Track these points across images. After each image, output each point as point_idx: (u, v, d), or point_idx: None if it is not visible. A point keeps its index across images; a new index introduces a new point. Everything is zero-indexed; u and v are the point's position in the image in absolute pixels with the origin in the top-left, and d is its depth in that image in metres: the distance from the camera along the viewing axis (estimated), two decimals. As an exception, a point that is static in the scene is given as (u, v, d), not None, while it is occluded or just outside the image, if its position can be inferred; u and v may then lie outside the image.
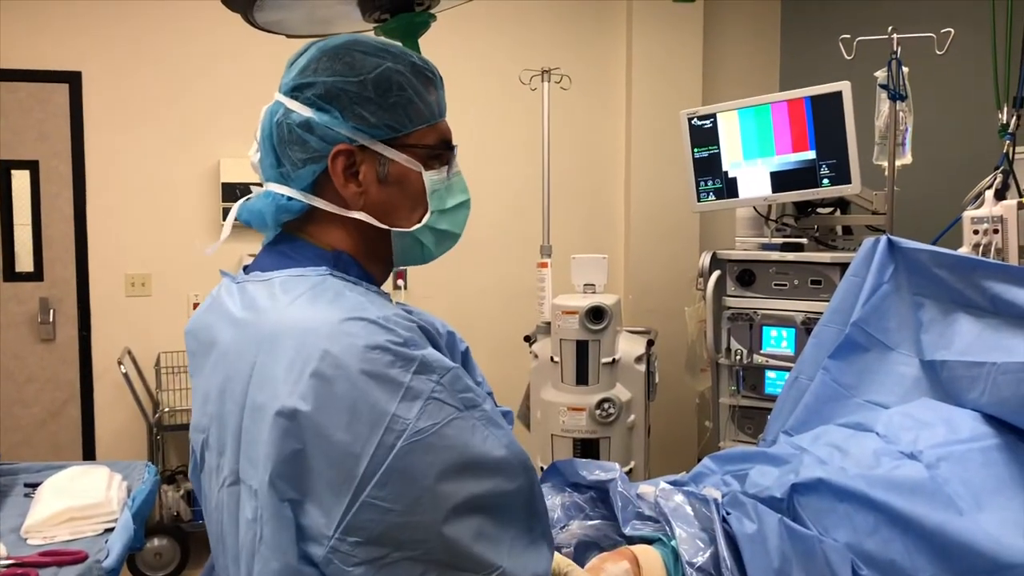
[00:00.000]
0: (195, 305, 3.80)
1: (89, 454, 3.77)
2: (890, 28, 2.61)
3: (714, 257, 3.10)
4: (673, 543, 1.26)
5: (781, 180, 2.96)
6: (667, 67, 4.21)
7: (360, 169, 1.01)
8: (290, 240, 1.05)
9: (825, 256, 2.91)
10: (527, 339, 3.23)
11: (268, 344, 0.91)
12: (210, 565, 1.12)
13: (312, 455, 0.84)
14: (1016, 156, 2.31)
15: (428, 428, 0.85)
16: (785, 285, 2.97)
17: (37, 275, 3.70)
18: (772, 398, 2.62)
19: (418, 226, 1.05)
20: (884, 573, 1.23)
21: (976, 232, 2.13)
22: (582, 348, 2.96)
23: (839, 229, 3.18)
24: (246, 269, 1.07)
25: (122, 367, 3.45)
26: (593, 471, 1.46)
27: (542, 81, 3.44)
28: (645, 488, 1.40)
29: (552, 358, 3.04)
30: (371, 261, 1.06)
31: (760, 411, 2.99)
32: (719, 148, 3.08)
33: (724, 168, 3.08)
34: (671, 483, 1.44)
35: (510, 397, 3.16)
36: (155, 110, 3.76)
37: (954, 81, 3.26)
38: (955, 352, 1.61)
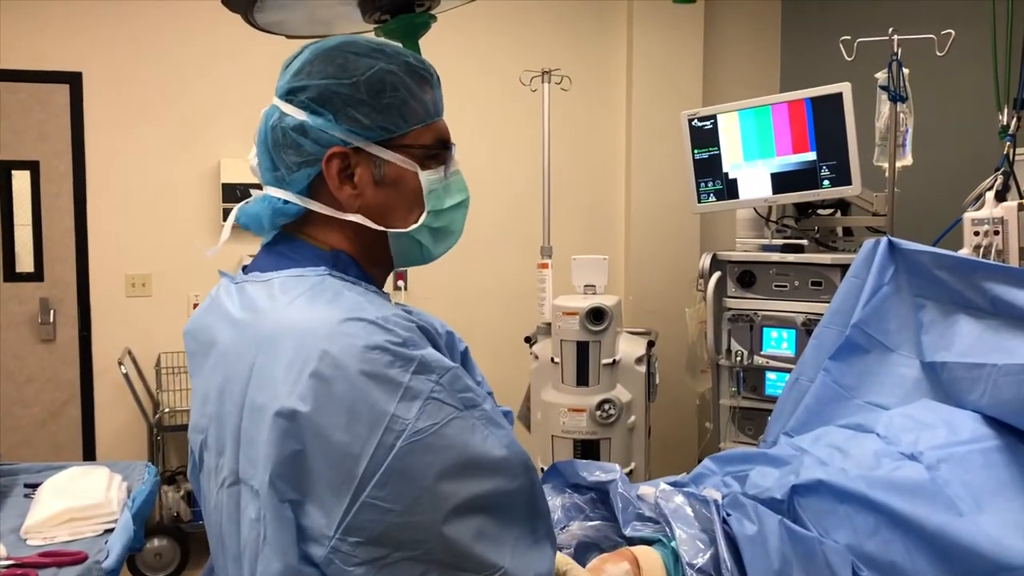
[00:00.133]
0: (195, 305, 3.79)
1: (89, 454, 3.77)
2: (891, 29, 2.61)
3: (714, 258, 3.10)
4: (673, 544, 1.26)
5: (781, 181, 2.96)
6: (667, 68, 4.21)
7: (356, 171, 1.01)
8: (289, 240, 1.05)
9: (825, 257, 2.91)
10: (527, 340, 3.23)
11: (267, 345, 0.91)
12: (210, 566, 1.12)
13: (312, 456, 0.84)
14: (1016, 157, 2.31)
15: (427, 428, 0.85)
16: (785, 286, 2.97)
17: (37, 275, 3.70)
18: (772, 399, 2.62)
19: (415, 226, 1.04)
20: (884, 574, 1.23)
21: (977, 234, 2.13)
22: (583, 349, 2.96)
23: (839, 230, 3.18)
24: (245, 269, 1.07)
25: (122, 367, 3.45)
26: (593, 472, 1.46)
27: (542, 82, 3.44)
28: (645, 489, 1.40)
29: (552, 359, 3.04)
30: (370, 262, 1.06)
31: (760, 412, 2.99)
32: (719, 149, 3.08)
33: (724, 169, 3.08)
34: (671, 484, 1.44)
35: (510, 398, 3.16)
36: (155, 110, 3.76)
37: (954, 82, 3.26)
38: (956, 354, 1.61)
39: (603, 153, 4.34)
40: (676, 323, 3.48)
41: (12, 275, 3.68)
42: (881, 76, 2.64)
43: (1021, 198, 2.26)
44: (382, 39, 1.13)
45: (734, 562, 1.22)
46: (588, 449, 2.98)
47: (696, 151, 3.13)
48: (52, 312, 3.71)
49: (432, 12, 1.43)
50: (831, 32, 2.90)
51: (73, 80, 3.67)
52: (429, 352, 0.89)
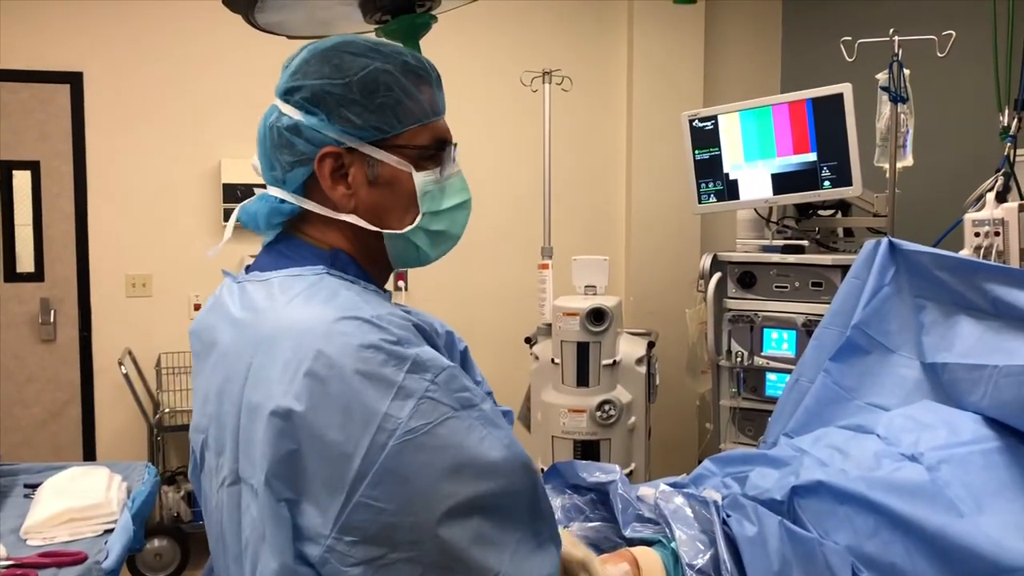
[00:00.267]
0: (196, 306, 3.82)
1: (89, 455, 3.77)
2: (891, 30, 2.61)
3: (715, 259, 3.10)
4: (673, 545, 1.26)
5: (782, 182, 2.96)
6: (668, 69, 4.21)
7: (349, 171, 1.01)
8: (289, 240, 1.05)
9: (826, 258, 2.91)
10: (528, 340, 3.23)
11: (265, 345, 0.92)
12: (210, 566, 1.12)
13: (307, 455, 0.85)
14: (1017, 158, 2.31)
15: (420, 427, 0.84)
16: (786, 287, 2.97)
17: (38, 275, 3.70)
18: (773, 400, 2.62)
19: (410, 228, 1.03)
20: (884, 576, 1.23)
21: (977, 234, 2.13)
22: (583, 350, 2.96)
23: (840, 231, 3.18)
24: (248, 269, 1.07)
25: (123, 368, 3.45)
26: (593, 473, 1.46)
27: (543, 82, 3.44)
28: (645, 490, 1.40)
29: (553, 360, 3.04)
30: (369, 261, 1.06)
31: (761, 413, 2.99)
32: (720, 150, 3.08)
33: (725, 170, 3.08)
34: (671, 485, 1.44)
35: (511, 398, 3.15)
36: (156, 111, 3.76)
37: (955, 83, 3.26)
38: (956, 355, 1.61)
39: (604, 154, 4.34)
40: (676, 324, 3.48)
41: (13, 275, 3.68)
42: (882, 77, 2.64)
43: (1022, 199, 2.26)
44: (382, 39, 1.13)
45: (734, 563, 1.22)
46: (588, 450, 2.97)
47: (697, 152, 3.13)
48: (52, 312, 3.71)
49: (433, 12, 1.43)
50: (832, 33, 2.90)
51: (74, 80, 3.68)
52: (424, 351, 0.89)
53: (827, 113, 2.81)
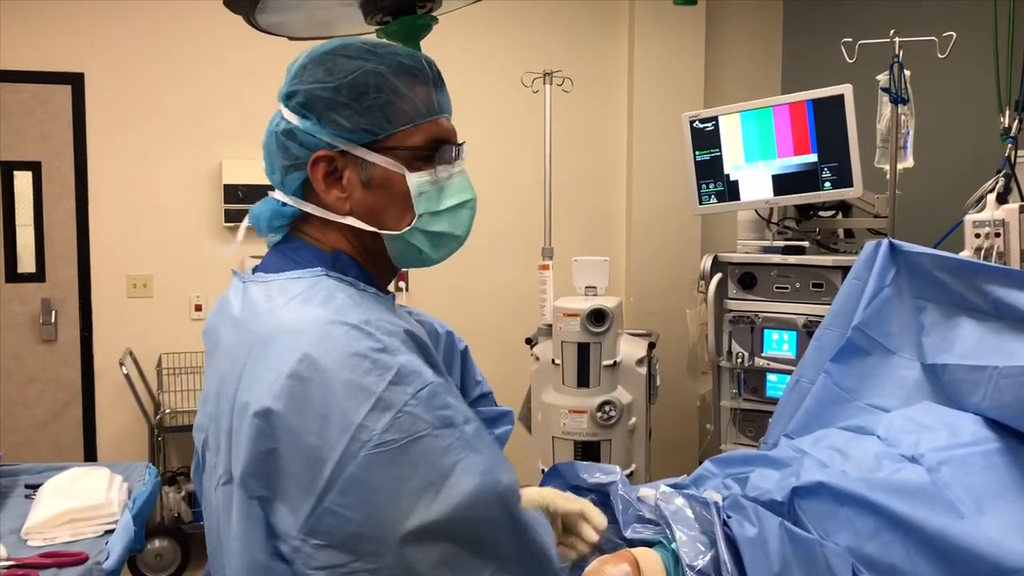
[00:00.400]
0: (197, 307, 3.82)
1: (90, 455, 3.77)
2: (892, 31, 2.61)
3: (715, 260, 3.10)
4: (674, 546, 1.26)
5: (783, 183, 2.96)
6: (669, 70, 4.21)
7: (344, 174, 1.01)
8: (292, 241, 1.06)
9: (827, 259, 2.91)
10: (528, 341, 3.23)
11: (259, 346, 0.92)
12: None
13: (284, 455, 0.86)
14: (1018, 159, 2.31)
15: (393, 441, 0.84)
16: (786, 288, 2.96)
17: (39, 276, 3.71)
18: (773, 401, 2.62)
19: (407, 229, 1.03)
20: (885, 577, 1.23)
21: (978, 236, 2.12)
22: (583, 350, 2.96)
23: (841, 232, 3.18)
24: (255, 270, 1.08)
25: (123, 368, 3.45)
26: (594, 474, 1.46)
27: (544, 83, 3.44)
28: (646, 491, 1.40)
29: (553, 360, 3.04)
30: (370, 262, 1.06)
31: (761, 414, 2.98)
32: (721, 151, 3.08)
33: (726, 171, 3.08)
34: (672, 486, 1.44)
35: (511, 399, 3.14)
36: (157, 111, 3.76)
37: (956, 84, 3.26)
38: (957, 356, 1.61)
39: (604, 154, 4.34)
40: (677, 325, 3.48)
41: (14, 276, 3.68)
42: (882, 78, 2.64)
43: (1022, 200, 2.25)
44: (382, 40, 1.13)
45: (734, 564, 1.22)
46: (588, 451, 2.97)
47: (697, 152, 3.13)
48: (53, 313, 3.71)
49: (433, 14, 1.43)
50: (832, 34, 2.90)
51: (75, 81, 3.68)
52: (410, 361, 0.89)
53: (828, 114, 2.81)
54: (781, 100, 2.95)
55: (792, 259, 2.96)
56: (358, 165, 1.01)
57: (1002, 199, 2.19)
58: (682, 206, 3.46)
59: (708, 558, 1.23)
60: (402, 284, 4.03)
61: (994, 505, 1.29)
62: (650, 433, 3.18)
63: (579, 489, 1.49)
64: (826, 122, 2.82)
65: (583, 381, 2.97)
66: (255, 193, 3.74)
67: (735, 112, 3.04)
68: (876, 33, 2.65)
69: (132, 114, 3.74)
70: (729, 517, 1.29)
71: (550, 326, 3.13)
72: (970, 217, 2.18)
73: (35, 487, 2.30)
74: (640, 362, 3.03)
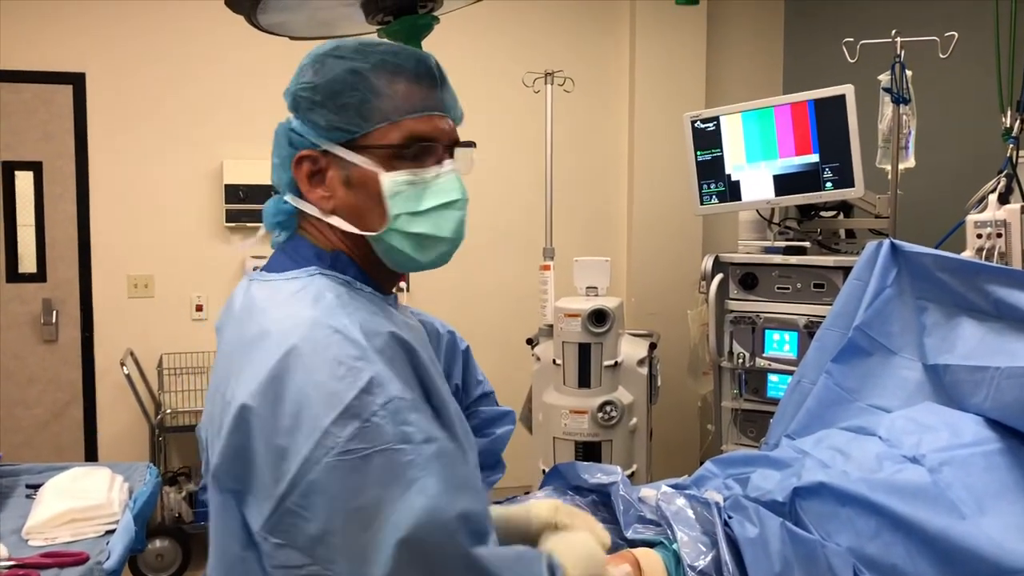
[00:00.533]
0: (198, 307, 3.83)
1: (91, 455, 3.77)
2: (893, 31, 2.61)
3: (717, 260, 3.10)
4: (675, 547, 1.26)
5: (784, 183, 2.96)
6: (670, 70, 4.21)
7: (327, 174, 1.01)
8: (296, 240, 1.06)
9: (828, 260, 2.91)
10: (529, 342, 3.23)
11: (248, 344, 0.94)
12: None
13: (256, 451, 0.87)
14: (1019, 160, 2.31)
15: (358, 450, 0.84)
16: (788, 288, 2.96)
17: (40, 276, 3.71)
18: (774, 402, 2.61)
19: (383, 230, 1.00)
20: (886, 578, 1.23)
21: (979, 236, 2.12)
22: (584, 351, 2.96)
23: (842, 232, 3.18)
24: (263, 269, 1.09)
25: (124, 368, 3.45)
26: (595, 474, 1.46)
27: (545, 83, 3.44)
28: (647, 491, 1.40)
29: (554, 361, 3.04)
30: (367, 262, 1.05)
31: (762, 415, 2.98)
32: (722, 151, 3.07)
33: (727, 171, 3.08)
34: (673, 486, 1.44)
35: (512, 399, 3.13)
36: (158, 111, 3.76)
37: (957, 85, 3.25)
38: (958, 356, 1.61)
39: (605, 154, 4.34)
40: (678, 325, 3.48)
41: (15, 276, 3.68)
42: (884, 78, 2.64)
43: (1024, 200, 2.25)
44: (381, 39, 1.13)
45: (735, 564, 1.22)
46: (590, 451, 2.97)
47: (699, 153, 3.12)
48: (54, 313, 3.71)
49: (435, 13, 1.43)
50: (834, 34, 2.90)
51: (76, 81, 3.68)
52: (382, 372, 0.88)
53: (829, 114, 2.81)
54: (782, 100, 2.95)
55: (793, 259, 2.96)
56: (339, 164, 1.00)
57: (1003, 199, 2.19)
58: (683, 206, 3.46)
59: (709, 558, 1.23)
60: (403, 284, 4.03)
61: (996, 505, 1.29)
62: (651, 434, 3.17)
63: (580, 489, 1.49)
64: (827, 122, 2.82)
65: (584, 381, 2.97)
66: (256, 193, 3.74)
67: (736, 112, 3.04)
68: (878, 33, 2.65)
69: (133, 114, 3.74)
70: (730, 517, 1.29)
71: (551, 326, 3.13)
72: (972, 217, 2.17)
73: (36, 487, 2.30)
74: (641, 362, 3.03)
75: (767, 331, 2.99)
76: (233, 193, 3.74)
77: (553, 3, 4.23)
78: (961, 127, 3.36)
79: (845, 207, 3.16)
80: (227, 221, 3.76)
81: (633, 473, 3.01)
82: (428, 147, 1.00)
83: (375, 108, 0.99)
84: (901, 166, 2.67)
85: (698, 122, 3.11)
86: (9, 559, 1.89)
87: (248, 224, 3.74)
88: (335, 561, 0.84)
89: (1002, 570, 1.19)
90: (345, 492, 0.83)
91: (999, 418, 1.46)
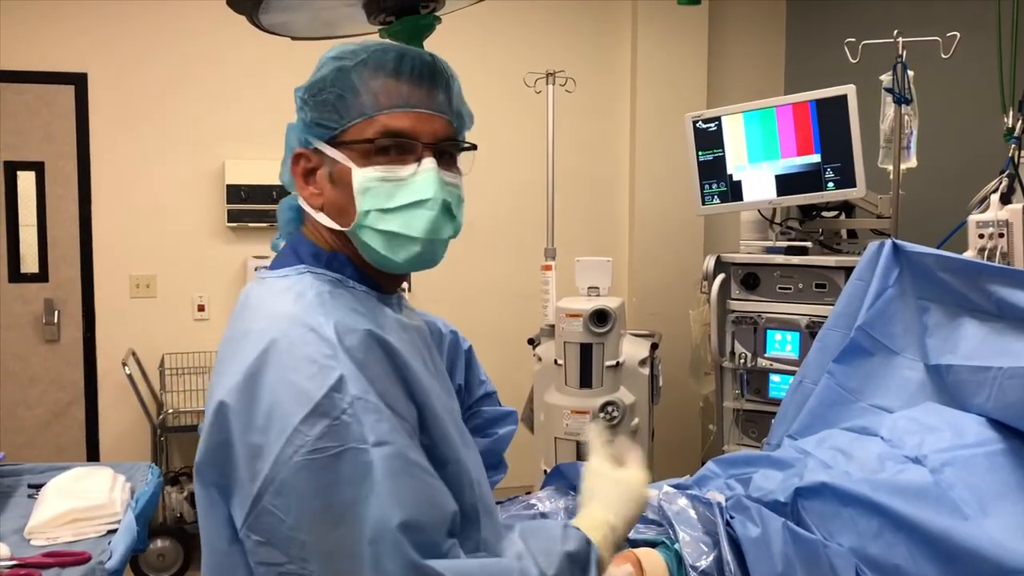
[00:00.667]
0: (200, 307, 3.83)
1: (93, 455, 3.77)
2: (895, 32, 2.60)
3: (718, 260, 3.10)
4: (676, 546, 1.26)
5: (786, 183, 2.96)
6: (672, 70, 4.21)
7: (318, 171, 1.02)
8: (297, 239, 1.07)
9: (830, 260, 2.91)
10: (531, 342, 3.23)
11: (234, 342, 0.95)
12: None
13: (235, 447, 0.88)
14: (1021, 160, 2.30)
15: (325, 449, 0.84)
16: (789, 289, 2.96)
17: (42, 276, 3.71)
18: (776, 402, 2.61)
19: (353, 225, 0.99)
20: (888, 578, 1.22)
21: (981, 236, 2.12)
22: (586, 351, 2.96)
23: (844, 233, 3.18)
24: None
25: (126, 368, 3.45)
26: (596, 474, 1.46)
27: (546, 83, 3.44)
28: (649, 491, 1.40)
29: (556, 361, 3.04)
30: (362, 261, 1.03)
31: (764, 415, 2.98)
32: (724, 151, 3.07)
33: (729, 171, 3.08)
34: (675, 487, 1.44)
35: (514, 400, 3.13)
36: (160, 112, 3.77)
37: (959, 85, 3.25)
38: (960, 356, 1.60)
39: (607, 154, 4.34)
40: (680, 325, 3.48)
41: (17, 276, 3.69)
42: (886, 78, 2.64)
43: (1026, 201, 2.25)
44: (376, 40, 1.13)
45: (737, 565, 1.22)
46: (591, 451, 2.97)
47: (700, 153, 3.12)
48: (56, 313, 3.71)
49: (436, 14, 1.43)
50: (836, 34, 2.89)
51: (78, 81, 3.68)
52: (352, 372, 0.88)
53: (831, 114, 2.80)
54: (784, 100, 2.95)
55: (795, 260, 2.96)
56: (326, 162, 1.01)
57: (1006, 199, 2.18)
58: (685, 206, 3.45)
59: (711, 559, 1.23)
60: (404, 285, 4.02)
61: (998, 506, 1.29)
62: (653, 434, 3.17)
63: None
64: (829, 122, 2.81)
65: (586, 382, 2.97)
66: (258, 193, 3.74)
67: (738, 112, 3.03)
68: (880, 33, 2.65)
69: (135, 114, 3.74)
70: (732, 518, 1.29)
71: (553, 326, 3.13)
72: (974, 217, 2.17)
73: (38, 487, 2.30)
74: (643, 363, 3.03)
75: (769, 331, 2.99)
76: (235, 193, 3.75)
77: (555, 3, 4.23)
78: (963, 127, 3.36)
79: (847, 207, 3.15)
80: (229, 221, 3.76)
81: (635, 473, 3.00)
82: (406, 144, 0.98)
83: (351, 104, 0.98)
84: (903, 166, 2.67)
85: (700, 122, 3.11)
86: (11, 559, 1.89)
87: (250, 224, 3.75)
88: (308, 560, 0.84)
89: (1004, 570, 1.19)
90: (315, 491, 0.84)
91: (1001, 418, 1.46)
